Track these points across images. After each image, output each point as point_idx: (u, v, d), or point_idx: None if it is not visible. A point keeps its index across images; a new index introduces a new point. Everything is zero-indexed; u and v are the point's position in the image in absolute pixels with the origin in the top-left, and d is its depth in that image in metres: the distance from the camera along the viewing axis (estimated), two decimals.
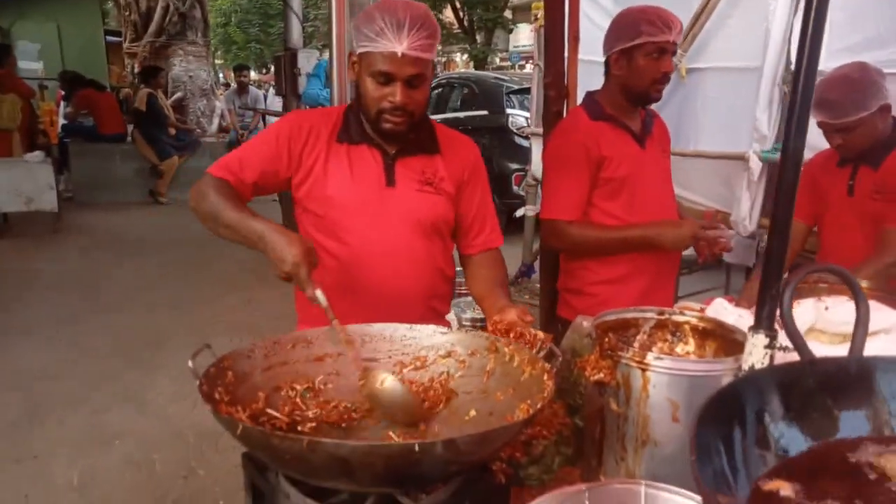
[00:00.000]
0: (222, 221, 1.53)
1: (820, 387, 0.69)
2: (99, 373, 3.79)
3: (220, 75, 25.09)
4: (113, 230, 7.45)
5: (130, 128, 9.40)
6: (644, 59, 2.02)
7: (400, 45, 1.49)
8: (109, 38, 13.46)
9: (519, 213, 5.61)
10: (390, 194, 1.67)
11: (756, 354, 1.03)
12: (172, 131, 9.41)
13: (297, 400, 1.24)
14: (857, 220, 2.24)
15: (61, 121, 9.01)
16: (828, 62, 2.37)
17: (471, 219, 1.81)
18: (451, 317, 2.08)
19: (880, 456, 0.66)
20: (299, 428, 1.16)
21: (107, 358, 3.96)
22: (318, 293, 1.32)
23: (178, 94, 10.84)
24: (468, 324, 2.62)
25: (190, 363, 1.08)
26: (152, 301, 5.08)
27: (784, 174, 1.01)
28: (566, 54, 2.69)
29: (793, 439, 0.65)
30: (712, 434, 0.59)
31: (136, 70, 11.33)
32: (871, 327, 1.37)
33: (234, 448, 3.04)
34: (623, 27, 2.04)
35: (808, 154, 1.36)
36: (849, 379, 0.68)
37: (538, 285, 5.07)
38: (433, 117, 2.04)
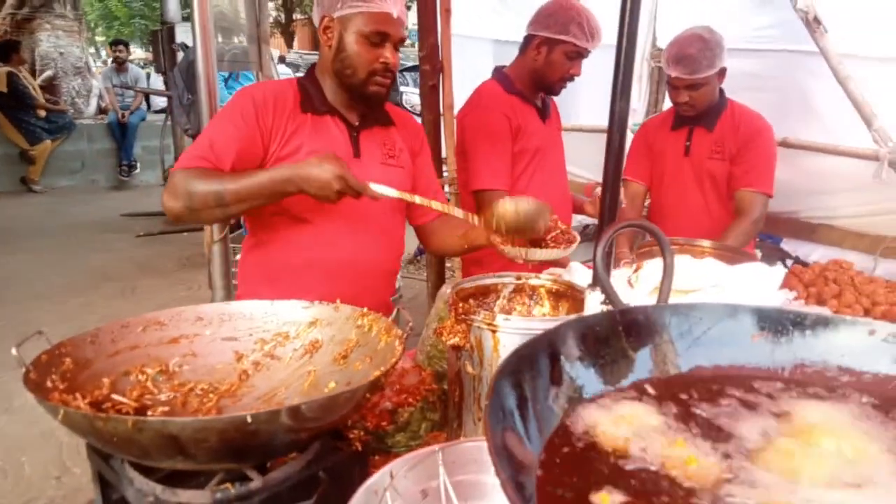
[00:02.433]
0: (231, 198, 1.49)
1: (624, 332, 0.73)
2: None
3: (103, 52, 23.37)
4: None
5: None
6: (561, 56, 2.14)
7: (395, 7, 1.55)
8: None
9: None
10: (356, 166, 1.62)
11: (593, 310, 1.09)
12: (42, 113, 8.68)
13: (148, 384, 1.19)
14: (694, 179, 2.44)
15: None
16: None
17: (423, 188, 1.82)
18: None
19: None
20: (149, 413, 1.12)
21: None
22: (373, 186, 1.42)
23: (48, 73, 9.98)
24: None
25: (14, 351, 1.01)
26: (23, 294, 4.72)
27: (611, 136, 1.07)
28: (439, 28, 2.71)
29: (589, 380, 0.69)
30: (511, 381, 0.61)
31: None
32: (707, 282, 1.49)
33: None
34: (553, 17, 2.12)
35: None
36: (645, 324, 0.73)
37: None
38: None
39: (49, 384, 1.02)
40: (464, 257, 2.36)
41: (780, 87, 2.97)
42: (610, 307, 1.04)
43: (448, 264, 3.54)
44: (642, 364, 0.71)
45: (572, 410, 0.68)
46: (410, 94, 7.14)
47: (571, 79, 2.21)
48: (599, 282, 0.86)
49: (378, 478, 0.98)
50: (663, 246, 0.84)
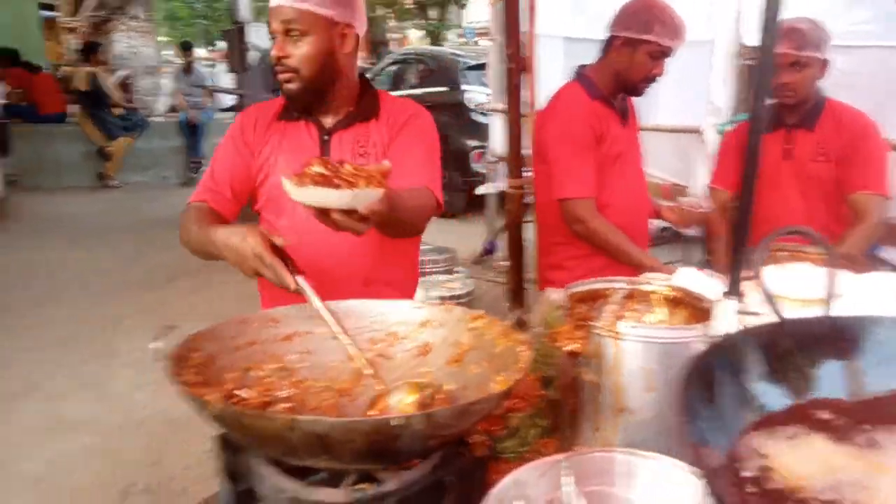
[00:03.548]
0: (200, 248, 1.51)
1: (797, 346, 0.70)
2: (53, 361, 3.66)
3: (168, 52, 24.22)
4: (62, 215, 7.17)
5: (73, 108, 9.01)
6: (645, 56, 2.07)
7: None
8: (45, 12, 12.81)
9: (480, 190, 5.61)
10: None
11: (728, 320, 1.05)
12: (118, 111, 9.05)
13: (270, 380, 1.21)
14: (795, 184, 2.32)
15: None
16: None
17: (395, 175, 1.50)
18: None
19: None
20: (270, 409, 1.14)
21: (59, 345, 3.82)
22: (300, 280, 1.26)
23: (123, 73, 10.41)
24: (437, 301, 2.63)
25: (151, 345, 1.04)
26: (105, 287, 4.92)
27: (751, 140, 1.02)
28: (524, 28, 2.68)
29: (773, 398, 0.66)
30: (696, 395, 0.59)
31: (76, 47, 10.82)
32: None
33: (202, 434, 2.98)
34: (635, 17, 2.07)
35: None
36: (823, 337, 0.69)
37: (504, 262, 5.12)
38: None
39: (184, 379, 1.05)
40: (542, 263, 2.33)
41: (878, 85, 2.83)
42: (748, 318, 1.00)
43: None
44: (827, 382, 0.67)
45: (750, 429, 0.65)
46: (474, 93, 7.08)
47: (655, 79, 2.15)
48: (765, 291, 0.82)
49: (505, 485, 0.96)
50: (829, 252, 0.80)
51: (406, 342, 1.33)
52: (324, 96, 1.63)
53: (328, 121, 1.67)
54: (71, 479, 2.58)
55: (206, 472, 2.43)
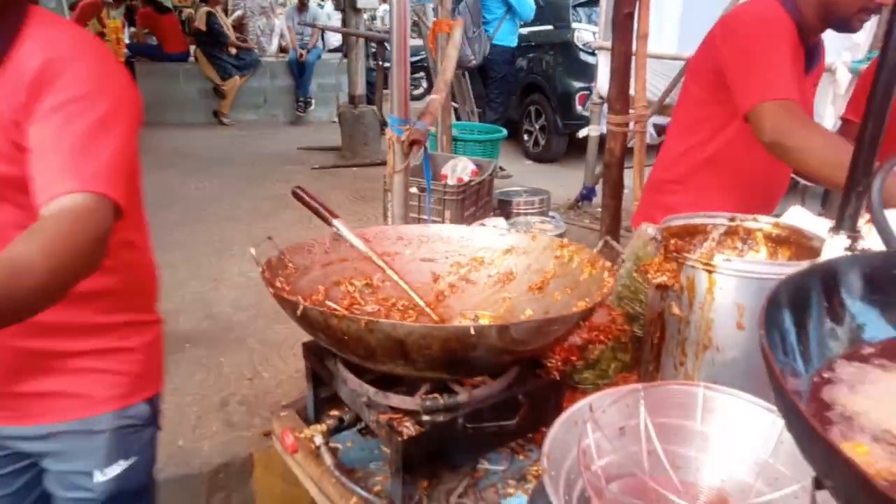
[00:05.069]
0: None
1: None
2: (167, 280, 3.96)
3: None
4: (181, 148, 7.63)
5: (193, 48, 9.47)
6: None
7: None
8: None
9: (582, 133, 5.43)
10: None
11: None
12: (233, 51, 9.42)
13: (356, 295, 1.26)
14: None
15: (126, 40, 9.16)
16: None
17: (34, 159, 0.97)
18: None
19: None
20: None
21: (175, 267, 4.13)
22: (336, 223, 1.29)
23: (238, 13, 10.77)
24: None
25: (252, 251, 1.10)
26: (216, 214, 5.24)
27: (885, 61, 0.92)
28: None
29: (871, 321, 0.61)
30: (785, 314, 0.55)
31: None
32: None
33: (294, 356, 3.15)
34: None
35: None
36: None
37: (599, 209, 4.99)
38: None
39: (278, 284, 1.10)
40: (647, 199, 2.15)
41: None
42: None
43: None
44: None
45: (841, 357, 0.60)
46: (583, 31, 6.76)
47: (878, 9, 1.67)
48: (876, 219, 0.75)
49: (578, 408, 0.96)
50: None
51: (490, 268, 1.33)
52: None
53: None
54: (176, 384, 2.81)
55: (295, 389, 2.59)
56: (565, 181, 5.94)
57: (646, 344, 1.26)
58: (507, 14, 5.53)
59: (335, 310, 1.15)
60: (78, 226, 0.89)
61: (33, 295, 0.82)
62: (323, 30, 9.71)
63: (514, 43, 5.75)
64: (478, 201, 3.37)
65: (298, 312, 0.91)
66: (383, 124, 7.43)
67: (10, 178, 0.98)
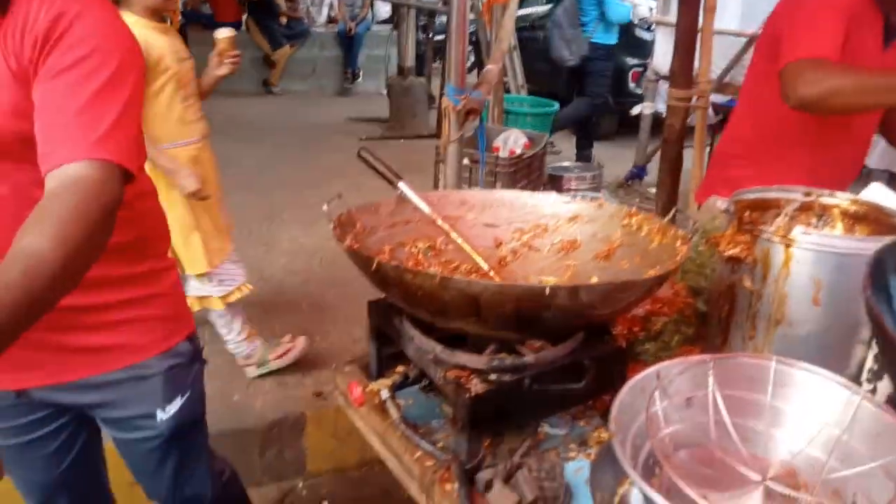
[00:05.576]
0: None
1: None
2: None
3: None
4: (233, 116, 7.73)
5: (245, 16, 9.56)
6: None
7: None
8: None
9: (635, 110, 5.31)
10: None
11: None
12: (284, 20, 9.47)
13: (420, 256, 1.27)
14: None
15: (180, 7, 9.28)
16: None
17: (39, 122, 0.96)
18: None
19: None
20: None
21: None
22: (402, 185, 1.28)
23: None
24: None
25: (325, 207, 1.12)
26: (267, 182, 5.32)
27: None
28: None
29: None
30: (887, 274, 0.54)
31: None
32: None
33: (345, 319, 3.19)
34: None
35: None
36: None
37: (650, 189, 4.89)
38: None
39: (348, 241, 1.12)
40: (712, 175, 2.06)
41: None
42: None
43: None
44: None
45: None
46: (639, 6, 6.56)
47: None
48: None
49: (646, 375, 0.95)
50: None
51: (554, 235, 1.32)
52: None
53: None
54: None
55: (346, 352, 2.64)
56: (615, 159, 5.83)
57: (712, 318, 1.24)
58: (601, 16, 5.54)
59: (412, 266, 1.17)
60: (86, 204, 0.85)
61: (50, 287, 0.79)
62: (373, 0, 9.67)
63: (613, 41, 5.71)
64: (529, 175, 3.34)
65: (373, 268, 0.92)
66: (431, 98, 7.40)
67: (29, 136, 0.93)
